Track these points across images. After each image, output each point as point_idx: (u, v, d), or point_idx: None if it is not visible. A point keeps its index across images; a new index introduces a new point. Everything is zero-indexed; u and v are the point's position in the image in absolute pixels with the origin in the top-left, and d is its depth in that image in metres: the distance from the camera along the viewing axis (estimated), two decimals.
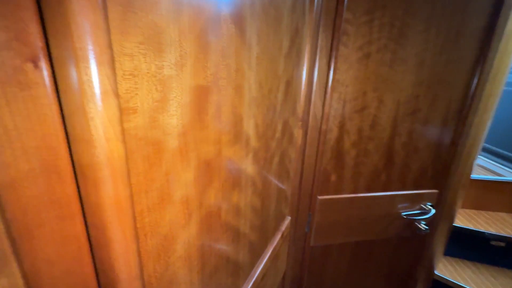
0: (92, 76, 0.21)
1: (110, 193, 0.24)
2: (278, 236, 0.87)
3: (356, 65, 0.90)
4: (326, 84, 0.89)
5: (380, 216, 1.15)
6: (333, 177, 1.04)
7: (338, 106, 0.94)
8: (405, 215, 1.16)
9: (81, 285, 0.27)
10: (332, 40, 0.85)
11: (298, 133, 0.91)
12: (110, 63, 0.22)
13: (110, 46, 0.22)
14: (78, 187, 0.25)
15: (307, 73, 0.82)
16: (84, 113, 0.21)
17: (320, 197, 1.05)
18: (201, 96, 0.36)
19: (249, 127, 0.53)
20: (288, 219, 0.98)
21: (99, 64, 0.21)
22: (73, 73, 0.21)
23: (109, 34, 0.22)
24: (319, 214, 1.08)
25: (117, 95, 0.23)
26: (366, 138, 1.01)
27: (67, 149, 0.23)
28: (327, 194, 1.06)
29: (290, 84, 0.73)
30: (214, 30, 0.36)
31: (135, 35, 0.25)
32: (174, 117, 0.32)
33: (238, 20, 0.41)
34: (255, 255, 0.72)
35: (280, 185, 0.83)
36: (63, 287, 0.25)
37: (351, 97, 0.94)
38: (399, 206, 1.15)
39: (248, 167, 0.56)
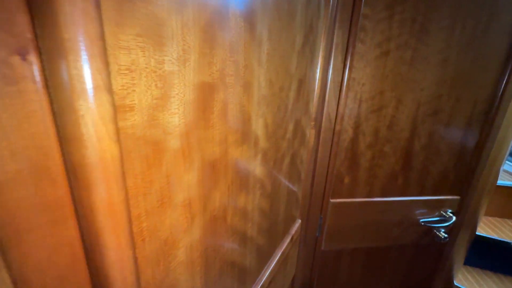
0: (82, 70, 0.19)
1: (103, 196, 0.22)
2: (287, 240, 0.84)
3: (373, 63, 0.85)
4: (341, 83, 0.85)
5: (396, 222, 1.09)
6: (346, 180, 1.00)
7: (354, 106, 0.89)
8: (423, 222, 1.10)
9: None
10: (349, 36, 0.81)
11: (310, 134, 0.87)
12: (103, 56, 0.20)
13: (102, 38, 0.20)
14: (71, 189, 0.23)
15: (321, 71, 0.79)
16: (74, 110, 0.20)
17: (332, 200, 1.01)
18: (206, 94, 0.34)
19: (258, 127, 0.50)
20: (298, 222, 0.95)
21: (90, 57, 0.19)
22: (62, 67, 0.19)
23: (101, 24, 0.20)
24: (331, 218, 1.04)
25: (110, 91, 0.21)
26: (382, 140, 0.96)
27: (59, 148, 0.22)
28: (340, 197, 1.02)
29: (303, 82, 0.70)
30: (221, 24, 0.34)
31: (132, 27, 0.23)
32: (176, 116, 0.30)
33: (248, 14, 0.39)
34: (263, 259, 0.69)
35: (291, 187, 0.80)
36: None
37: (367, 97, 0.89)
38: (417, 212, 1.09)
39: (257, 168, 0.53)
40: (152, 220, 0.30)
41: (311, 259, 1.11)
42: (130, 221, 0.26)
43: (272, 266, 0.73)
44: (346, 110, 0.89)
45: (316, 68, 0.79)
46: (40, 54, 0.20)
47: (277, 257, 0.77)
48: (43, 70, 0.20)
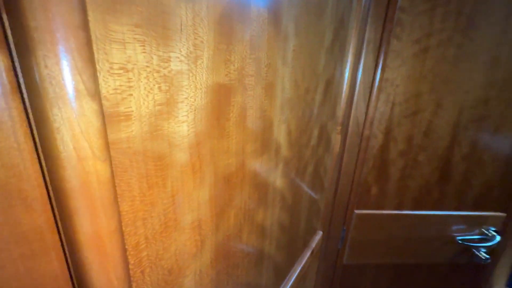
0: (56, 69, 0.14)
1: (87, 228, 0.18)
2: (307, 254, 0.78)
3: (410, 61, 0.76)
4: (372, 84, 0.77)
5: (429, 238, 0.98)
6: (374, 190, 0.91)
7: (385, 109, 0.81)
8: (460, 239, 0.99)
9: None
10: (383, 32, 0.73)
11: (336, 139, 0.80)
12: (85, 51, 0.15)
13: (85, 27, 0.15)
14: (54, 216, 0.19)
15: (351, 70, 0.71)
16: (48, 121, 0.15)
17: (357, 211, 0.93)
18: (221, 97, 0.29)
19: (280, 134, 0.44)
20: (319, 234, 0.88)
21: (66, 52, 0.15)
22: (33, 65, 0.14)
23: (83, 8, 0.15)
24: (355, 230, 0.96)
25: (97, 96, 0.16)
26: (417, 147, 0.86)
27: (37, 168, 0.18)
28: (366, 209, 0.93)
29: (331, 83, 0.63)
30: (241, 15, 0.29)
31: (129, 15, 0.18)
32: (185, 124, 0.25)
33: (273, 4, 0.33)
34: (280, 277, 0.64)
35: (313, 196, 0.73)
36: None
37: (401, 99, 0.80)
38: (454, 228, 0.98)
39: (277, 179, 0.48)
40: (154, 248, 0.25)
41: (331, 273, 1.03)
42: (124, 253, 0.21)
43: (290, 283, 0.67)
44: (377, 114, 0.80)
45: (345, 67, 0.71)
46: (9, 49, 0.15)
47: (296, 273, 0.71)
48: (13, 69, 0.16)
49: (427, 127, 0.84)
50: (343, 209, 0.92)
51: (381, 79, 0.76)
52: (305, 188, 0.65)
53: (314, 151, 0.64)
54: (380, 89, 0.77)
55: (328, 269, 1.02)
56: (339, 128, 0.79)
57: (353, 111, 0.78)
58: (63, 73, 0.15)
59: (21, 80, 0.16)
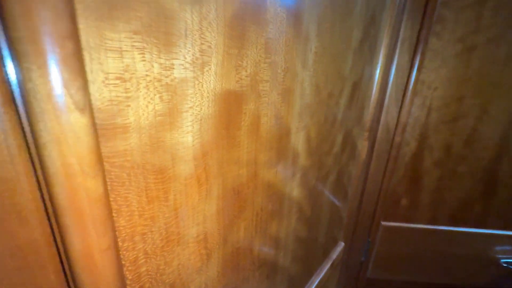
0: (40, 82, 0.14)
1: (78, 246, 0.17)
2: (327, 266, 0.74)
3: (452, 62, 0.68)
4: (405, 86, 0.70)
5: (467, 258, 0.88)
6: (404, 201, 0.84)
7: (420, 114, 0.73)
8: (505, 262, 0.87)
9: None
10: (420, 30, 0.66)
11: (362, 146, 0.75)
12: (73, 62, 0.14)
13: (72, 36, 0.14)
14: (51, 229, 0.19)
15: (382, 72, 0.65)
16: (35, 136, 0.15)
17: (384, 223, 0.86)
18: (231, 105, 0.27)
19: (299, 142, 0.42)
20: (341, 245, 0.83)
21: (51, 64, 0.14)
22: (19, 77, 0.14)
23: (71, 17, 0.14)
24: (382, 243, 0.89)
25: (85, 109, 0.15)
26: (456, 157, 0.77)
27: (35, 180, 0.17)
28: (394, 221, 0.86)
29: (358, 86, 0.58)
30: (256, 15, 0.26)
31: (127, 22, 0.17)
32: (189, 135, 0.24)
33: (293, 4, 0.31)
34: None
35: (334, 206, 0.69)
36: None
37: (440, 104, 0.72)
38: (497, 249, 0.87)
39: (294, 190, 0.45)
40: (154, 263, 0.24)
41: (353, 286, 0.98)
42: (120, 269, 0.20)
43: None
44: (410, 119, 0.73)
45: (376, 68, 0.66)
46: (1, 59, 0.15)
47: (314, 285, 0.67)
48: (6, 81, 0.15)
49: (470, 135, 0.75)
50: (369, 220, 0.86)
51: (416, 81, 0.69)
52: (326, 197, 0.61)
53: (337, 159, 0.60)
54: (415, 92, 0.70)
55: (349, 281, 0.96)
56: (366, 134, 0.73)
57: (383, 115, 0.72)
58: (47, 87, 0.14)
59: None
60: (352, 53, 0.50)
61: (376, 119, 0.73)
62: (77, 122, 0.15)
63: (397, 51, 0.66)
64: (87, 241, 0.17)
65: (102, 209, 0.17)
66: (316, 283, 0.69)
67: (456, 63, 0.68)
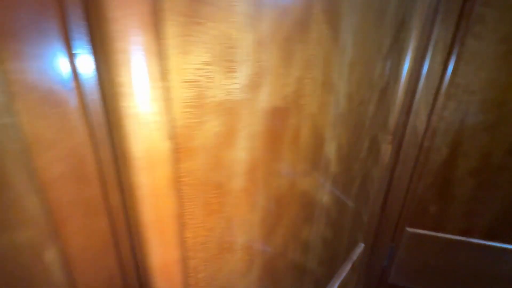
0: (143, 112, 0.15)
1: (156, 258, 0.19)
2: (347, 267, 0.75)
3: (492, 64, 0.64)
4: (437, 90, 0.68)
5: (504, 277, 0.81)
6: (432, 209, 0.81)
7: (454, 119, 0.69)
8: None
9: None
10: (456, 31, 0.63)
11: (386, 150, 0.74)
12: (164, 95, 0.16)
13: (164, 77, 0.16)
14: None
15: (409, 74, 0.65)
16: (129, 159, 0.16)
17: (410, 229, 0.84)
18: (277, 121, 0.29)
19: (331, 150, 0.43)
20: (361, 247, 0.84)
21: (149, 100, 0.15)
22: (118, 109, 0.16)
23: (163, 58, 0.16)
24: (407, 249, 0.87)
25: (172, 137, 0.17)
26: (496, 167, 0.72)
27: (120, 198, 0.19)
28: (421, 228, 0.84)
29: (385, 91, 0.58)
30: (302, 34, 0.27)
31: (200, 54, 0.19)
32: (242, 152, 0.25)
33: (333, 16, 0.31)
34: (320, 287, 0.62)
35: (357, 208, 0.69)
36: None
37: (478, 109, 0.68)
38: None
39: (324, 196, 0.46)
40: (210, 269, 0.26)
41: None
42: (186, 277, 0.23)
43: None
44: (441, 124, 0.70)
45: (402, 72, 0.65)
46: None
47: (336, 285, 0.69)
48: (81, 98, 0.17)
49: None
50: (392, 224, 0.86)
51: (450, 84, 0.66)
52: (350, 201, 0.62)
53: (363, 164, 0.61)
54: (448, 95, 0.67)
55: (369, 285, 0.97)
56: (390, 137, 0.73)
57: (411, 119, 0.70)
58: (149, 126, 0.15)
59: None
60: (382, 59, 0.50)
61: (403, 123, 0.72)
62: (166, 148, 0.17)
63: (429, 53, 0.64)
64: (165, 252, 0.19)
65: (177, 223, 0.19)
66: (338, 284, 0.70)
67: (498, 65, 0.64)
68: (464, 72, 0.66)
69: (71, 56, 0.18)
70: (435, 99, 0.69)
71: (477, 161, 0.73)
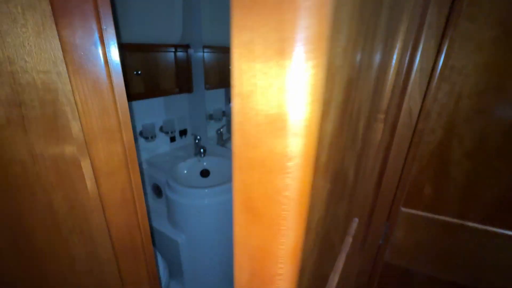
0: None
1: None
2: (349, 240, 0.79)
3: (487, 46, 0.63)
4: (431, 72, 0.69)
5: (503, 263, 0.79)
6: (427, 190, 0.80)
7: (448, 101, 0.70)
8: None
9: None
10: (449, 13, 0.63)
11: (378, 128, 0.79)
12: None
13: None
14: None
15: (399, 56, 0.67)
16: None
17: (404, 209, 0.85)
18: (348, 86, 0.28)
19: (360, 126, 0.43)
20: (355, 222, 0.89)
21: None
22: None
23: None
24: (402, 229, 0.87)
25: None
26: (492, 150, 0.70)
27: None
28: (416, 209, 0.84)
29: (380, 73, 0.61)
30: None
31: None
32: (331, 123, 0.24)
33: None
34: (333, 262, 0.65)
35: (354, 183, 0.73)
36: None
37: (472, 91, 0.67)
38: None
39: (350, 170, 0.47)
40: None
41: (369, 268, 0.99)
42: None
43: (340, 268, 0.69)
44: (435, 106, 0.71)
45: (393, 52, 0.68)
46: None
47: (343, 258, 0.72)
48: None
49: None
50: (387, 203, 0.87)
51: (444, 67, 0.67)
52: (351, 176, 0.65)
53: (361, 140, 0.63)
54: (442, 78, 0.69)
55: (365, 263, 0.99)
56: (382, 116, 0.78)
57: (405, 101, 0.73)
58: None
59: None
60: (380, 45, 0.52)
61: (397, 105, 0.75)
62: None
63: (423, 35, 0.66)
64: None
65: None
66: (345, 257, 0.74)
67: (495, 48, 0.62)
68: (458, 54, 0.67)
69: (100, 30, 0.38)
70: (429, 81, 0.70)
71: (472, 144, 0.72)
